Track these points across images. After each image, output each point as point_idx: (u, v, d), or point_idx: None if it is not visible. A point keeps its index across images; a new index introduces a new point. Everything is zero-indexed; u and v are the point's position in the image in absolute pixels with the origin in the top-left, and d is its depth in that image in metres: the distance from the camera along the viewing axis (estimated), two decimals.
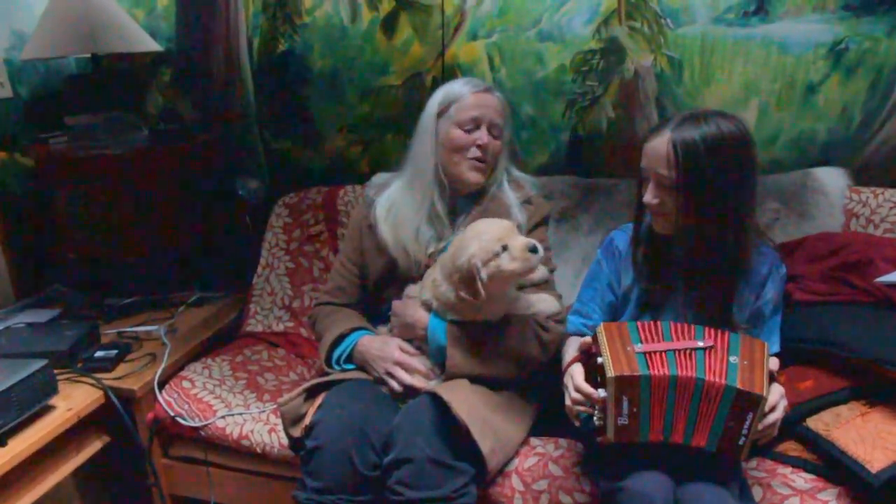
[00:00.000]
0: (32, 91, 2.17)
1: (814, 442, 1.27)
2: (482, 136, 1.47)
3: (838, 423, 1.27)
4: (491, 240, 1.30)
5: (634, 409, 1.10)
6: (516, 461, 1.38)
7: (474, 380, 1.39)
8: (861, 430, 1.24)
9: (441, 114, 1.49)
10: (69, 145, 2.05)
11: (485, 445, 1.27)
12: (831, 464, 1.24)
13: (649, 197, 1.24)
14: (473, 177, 1.49)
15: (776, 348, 1.32)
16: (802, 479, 1.26)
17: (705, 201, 1.18)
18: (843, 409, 1.29)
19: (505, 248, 1.30)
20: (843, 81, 1.73)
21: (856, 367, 1.31)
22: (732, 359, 1.11)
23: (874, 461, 1.17)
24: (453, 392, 1.31)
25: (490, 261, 1.29)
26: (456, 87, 1.50)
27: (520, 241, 1.31)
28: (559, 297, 1.49)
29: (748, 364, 1.10)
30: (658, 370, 1.10)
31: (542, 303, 1.42)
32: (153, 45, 2.11)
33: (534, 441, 1.43)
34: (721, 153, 1.16)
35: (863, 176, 1.75)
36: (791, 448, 1.32)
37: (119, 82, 2.24)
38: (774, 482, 1.26)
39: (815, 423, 1.28)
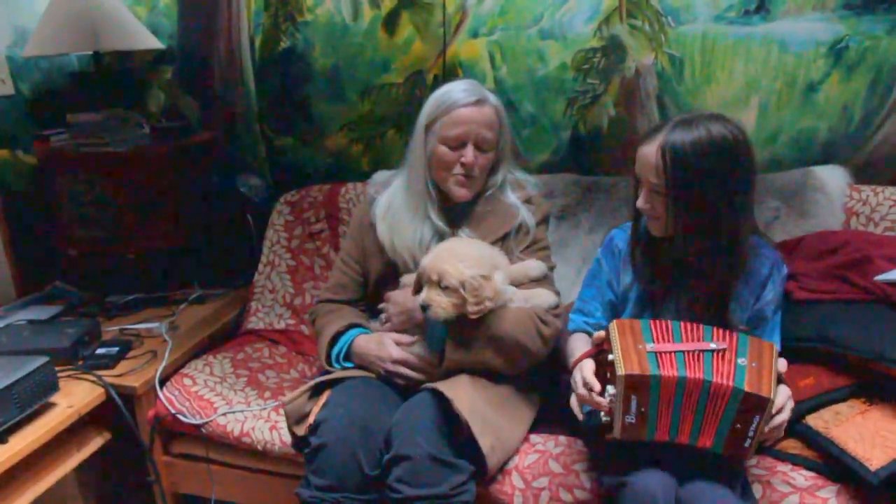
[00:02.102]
0: (34, 88, 2.18)
1: (814, 439, 1.28)
2: (468, 154, 1.43)
3: (838, 421, 1.27)
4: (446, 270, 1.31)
5: (643, 409, 1.10)
6: (516, 458, 1.38)
7: (474, 374, 1.39)
8: (860, 427, 1.24)
9: (429, 127, 1.46)
10: (71, 142, 2.06)
11: (485, 443, 1.27)
12: (831, 461, 1.25)
13: (642, 202, 1.24)
14: (459, 192, 1.48)
15: (777, 348, 1.32)
16: (802, 477, 1.26)
17: (696, 206, 1.18)
18: (842, 407, 1.29)
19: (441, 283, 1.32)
20: (843, 80, 1.73)
21: (855, 365, 1.31)
22: (741, 360, 1.11)
23: (873, 459, 1.17)
24: (454, 389, 1.31)
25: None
26: (446, 97, 1.44)
27: (423, 294, 1.34)
28: (557, 294, 1.49)
29: (756, 366, 1.10)
30: (668, 371, 1.10)
31: (539, 297, 1.42)
32: (155, 43, 2.11)
33: (534, 438, 1.44)
34: (710, 158, 1.15)
35: (863, 174, 1.75)
36: (791, 445, 1.32)
37: (121, 80, 2.25)
38: (774, 480, 1.26)
39: (815, 420, 1.29)
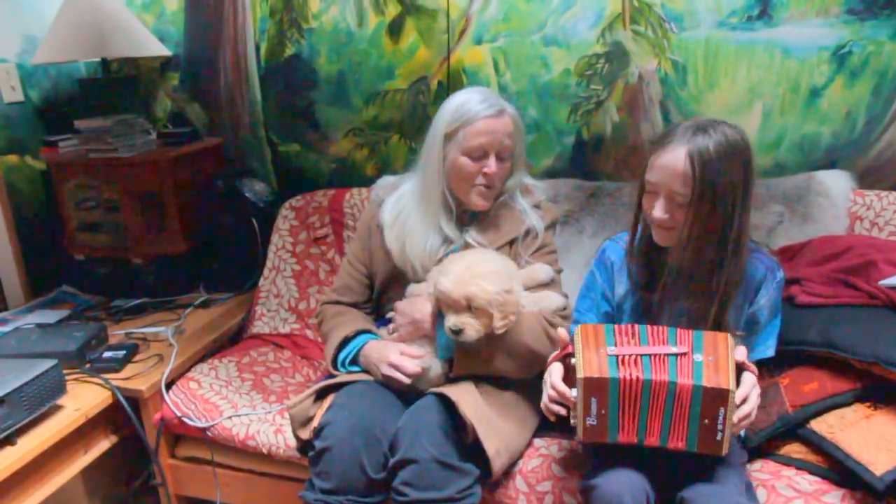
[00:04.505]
0: (43, 95, 2.20)
1: (818, 444, 1.28)
2: (490, 164, 1.43)
3: (843, 426, 1.27)
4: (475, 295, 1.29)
5: (603, 411, 1.12)
6: (520, 462, 1.39)
7: (481, 378, 1.39)
8: (865, 432, 1.24)
9: (449, 136, 1.45)
10: (79, 148, 2.08)
11: (490, 447, 1.28)
12: (836, 466, 1.25)
13: (660, 212, 1.21)
14: (480, 202, 1.48)
15: (772, 352, 1.33)
16: (807, 482, 1.26)
17: (718, 214, 1.17)
18: (847, 412, 1.29)
19: (470, 307, 1.31)
20: (846, 85, 1.73)
21: (860, 370, 1.31)
22: (697, 357, 1.12)
23: (878, 463, 1.17)
24: (460, 392, 1.32)
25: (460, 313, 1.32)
26: (467, 107, 1.43)
27: (452, 318, 1.31)
28: (565, 297, 1.50)
29: (713, 360, 1.11)
30: (630, 373, 1.11)
31: (547, 299, 1.43)
32: (162, 50, 2.14)
33: (537, 442, 1.44)
34: (733, 162, 1.16)
35: (867, 179, 1.76)
36: (795, 450, 1.32)
37: (128, 86, 2.27)
38: (779, 484, 1.26)
39: (820, 425, 1.29)
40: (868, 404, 1.31)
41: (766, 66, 1.77)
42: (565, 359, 1.22)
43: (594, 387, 1.11)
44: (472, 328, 1.31)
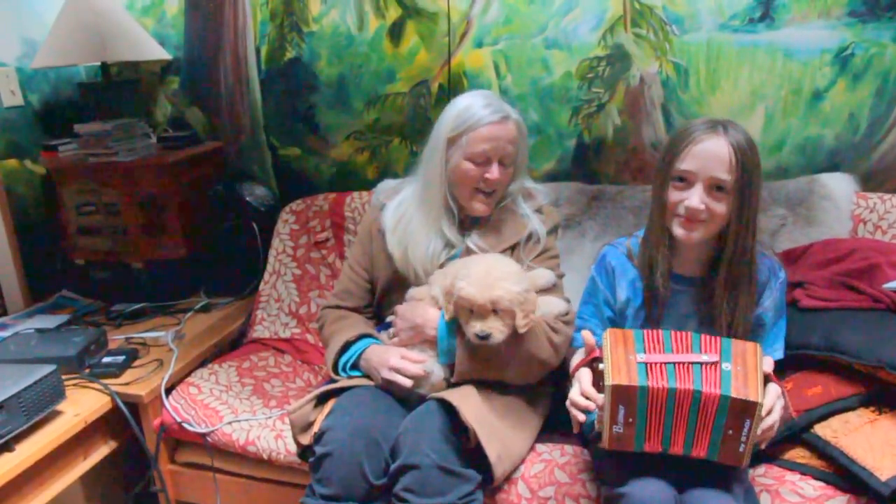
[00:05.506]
0: (43, 99, 2.20)
1: (822, 449, 1.27)
2: (493, 171, 1.43)
3: (847, 431, 1.26)
4: (472, 293, 1.29)
5: (630, 419, 1.10)
6: (522, 468, 1.38)
7: (483, 384, 1.38)
8: (870, 437, 1.23)
9: (452, 141, 1.44)
10: (78, 152, 2.08)
11: (492, 452, 1.27)
12: (840, 471, 1.24)
13: (696, 201, 1.18)
14: (480, 208, 1.48)
15: (780, 355, 1.32)
16: (811, 487, 1.25)
17: (750, 204, 1.19)
18: (851, 416, 1.28)
19: (472, 311, 1.31)
20: (849, 87, 1.73)
21: (864, 374, 1.30)
22: (725, 366, 1.10)
23: (883, 469, 1.17)
24: (462, 398, 1.31)
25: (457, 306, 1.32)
26: (470, 112, 1.42)
27: (478, 325, 1.30)
28: (567, 301, 1.49)
29: (741, 370, 1.10)
30: (657, 382, 1.09)
31: (549, 304, 1.42)
32: (162, 53, 2.13)
33: (540, 447, 1.43)
34: (756, 156, 1.19)
35: (870, 181, 1.75)
36: (799, 455, 1.31)
37: (128, 90, 2.26)
38: (783, 489, 1.25)
39: (824, 429, 1.28)
40: (872, 409, 1.30)
41: (769, 68, 1.76)
42: (592, 363, 1.20)
43: (623, 395, 1.09)
44: (498, 332, 1.30)
